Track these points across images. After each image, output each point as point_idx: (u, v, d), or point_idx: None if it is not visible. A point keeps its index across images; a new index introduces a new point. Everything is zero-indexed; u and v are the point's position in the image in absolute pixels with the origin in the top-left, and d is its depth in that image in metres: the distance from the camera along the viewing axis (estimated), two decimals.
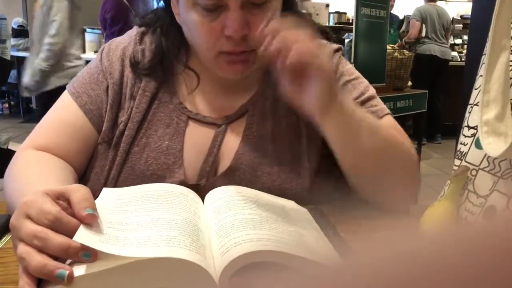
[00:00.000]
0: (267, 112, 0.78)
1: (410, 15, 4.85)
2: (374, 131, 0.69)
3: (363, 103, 0.79)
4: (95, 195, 0.55)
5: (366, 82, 0.83)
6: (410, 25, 4.72)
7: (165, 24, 0.77)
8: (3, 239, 0.59)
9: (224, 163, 0.76)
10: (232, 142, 0.77)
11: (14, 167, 0.72)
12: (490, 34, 0.56)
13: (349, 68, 0.83)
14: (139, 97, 0.76)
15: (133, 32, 0.81)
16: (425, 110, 3.03)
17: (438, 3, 5.04)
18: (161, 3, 0.78)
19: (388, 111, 0.81)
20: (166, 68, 0.78)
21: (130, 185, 0.64)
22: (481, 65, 0.62)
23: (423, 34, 4.66)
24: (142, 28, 0.81)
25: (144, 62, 0.77)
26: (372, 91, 0.82)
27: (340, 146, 0.68)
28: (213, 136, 0.77)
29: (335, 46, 0.84)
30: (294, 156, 0.77)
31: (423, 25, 4.65)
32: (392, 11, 5.14)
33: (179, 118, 0.77)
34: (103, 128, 0.76)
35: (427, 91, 3.07)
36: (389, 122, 0.79)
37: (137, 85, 0.77)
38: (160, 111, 0.77)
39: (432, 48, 4.63)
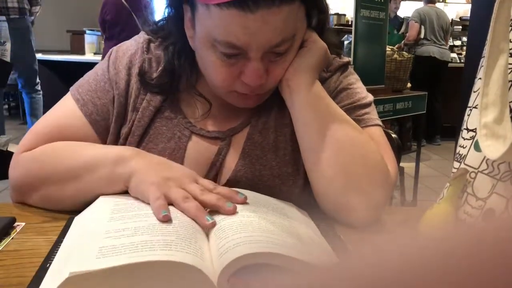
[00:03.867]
0: (270, 122, 0.76)
1: (409, 17, 4.85)
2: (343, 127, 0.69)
3: (351, 109, 0.76)
4: None
5: (363, 93, 0.80)
6: (409, 27, 4.73)
7: (178, 43, 0.73)
8: (3, 242, 0.59)
9: (225, 176, 0.75)
10: (234, 154, 0.75)
11: (41, 157, 0.70)
12: (489, 37, 0.57)
13: (350, 79, 0.80)
14: (142, 110, 0.75)
15: (140, 39, 0.78)
16: (424, 111, 3.02)
17: (438, 4, 5.05)
18: (171, 12, 0.73)
19: (377, 122, 0.78)
20: (174, 85, 0.76)
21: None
22: (480, 68, 0.62)
23: (422, 36, 4.66)
24: (149, 36, 0.78)
25: (151, 74, 0.75)
26: (366, 101, 0.79)
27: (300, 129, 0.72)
28: (217, 150, 0.75)
29: (342, 61, 0.81)
30: (296, 168, 0.75)
31: (422, 27, 4.66)
32: (397, 13, 5.15)
33: (181, 133, 0.75)
34: (107, 142, 0.75)
35: (427, 92, 3.06)
36: (372, 133, 0.76)
37: (141, 96, 0.75)
38: (162, 124, 0.75)
39: (431, 50, 4.63)
